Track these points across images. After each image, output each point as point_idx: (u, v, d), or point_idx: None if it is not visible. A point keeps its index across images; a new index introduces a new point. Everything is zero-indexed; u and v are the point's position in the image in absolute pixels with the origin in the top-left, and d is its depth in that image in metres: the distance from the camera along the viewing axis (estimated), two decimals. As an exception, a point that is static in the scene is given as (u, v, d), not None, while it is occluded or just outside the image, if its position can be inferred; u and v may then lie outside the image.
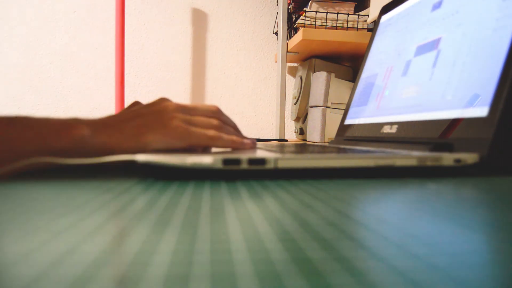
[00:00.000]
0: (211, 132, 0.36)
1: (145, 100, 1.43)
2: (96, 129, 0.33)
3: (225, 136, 0.37)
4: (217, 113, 0.39)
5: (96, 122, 0.34)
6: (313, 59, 1.17)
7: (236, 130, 0.41)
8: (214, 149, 0.40)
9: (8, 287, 0.10)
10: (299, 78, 1.23)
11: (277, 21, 1.31)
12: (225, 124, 0.40)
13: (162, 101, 0.38)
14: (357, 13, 1.09)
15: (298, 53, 1.20)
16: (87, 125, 0.33)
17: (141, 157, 0.29)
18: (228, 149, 0.39)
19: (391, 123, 0.53)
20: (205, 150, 0.40)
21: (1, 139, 0.30)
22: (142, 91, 1.43)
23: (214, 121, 0.38)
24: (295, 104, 1.23)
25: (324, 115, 1.00)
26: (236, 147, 0.38)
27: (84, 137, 0.32)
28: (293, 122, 1.45)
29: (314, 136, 1.03)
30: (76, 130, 0.32)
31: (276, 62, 1.42)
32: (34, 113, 1.39)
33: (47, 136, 0.31)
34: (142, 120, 0.35)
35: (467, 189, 0.26)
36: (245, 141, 0.39)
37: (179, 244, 0.13)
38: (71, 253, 0.12)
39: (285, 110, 1.20)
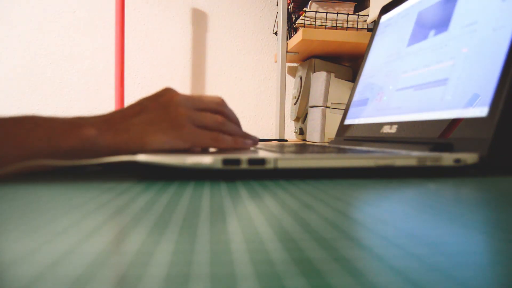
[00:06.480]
0: (215, 134, 0.36)
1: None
2: (102, 128, 0.33)
3: (227, 138, 0.37)
4: (221, 106, 0.39)
5: (102, 120, 0.34)
6: (313, 59, 1.17)
7: (238, 125, 0.41)
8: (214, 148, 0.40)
9: (8, 287, 0.10)
10: (299, 78, 1.23)
11: (277, 21, 1.31)
12: (229, 119, 0.39)
13: (167, 92, 0.37)
14: (357, 13, 1.09)
15: (298, 53, 1.20)
16: (93, 125, 0.33)
17: (141, 157, 0.29)
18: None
19: (391, 123, 0.53)
20: (204, 149, 0.40)
21: (9, 138, 0.30)
22: (142, 91, 1.43)
23: (219, 118, 0.37)
24: (295, 104, 1.23)
25: (324, 115, 1.00)
26: (238, 148, 0.39)
27: (91, 138, 0.32)
28: (293, 122, 1.45)
29: (314, 136, 1.03)
30: (83, 130, 0.32)
31: (276, 62, 1.42)
32: (34, 113, 1.39)
33: (54, 136, 0.31)
34: (148, 117, 0.34)
35: (466, 189, 0.26)
36: (247, 141, 0.39)
37: (179, 244, 0.13)
38: (71, 253, 0.12)
39: (285, 110, 1.20)
